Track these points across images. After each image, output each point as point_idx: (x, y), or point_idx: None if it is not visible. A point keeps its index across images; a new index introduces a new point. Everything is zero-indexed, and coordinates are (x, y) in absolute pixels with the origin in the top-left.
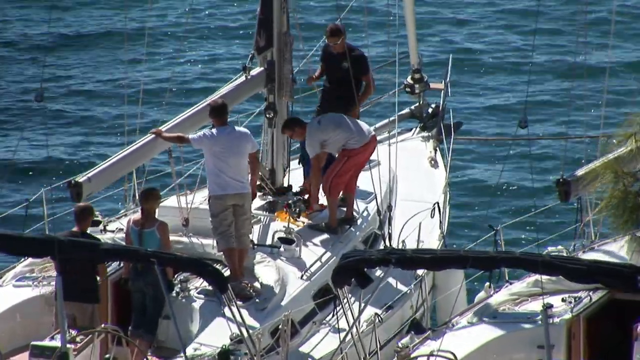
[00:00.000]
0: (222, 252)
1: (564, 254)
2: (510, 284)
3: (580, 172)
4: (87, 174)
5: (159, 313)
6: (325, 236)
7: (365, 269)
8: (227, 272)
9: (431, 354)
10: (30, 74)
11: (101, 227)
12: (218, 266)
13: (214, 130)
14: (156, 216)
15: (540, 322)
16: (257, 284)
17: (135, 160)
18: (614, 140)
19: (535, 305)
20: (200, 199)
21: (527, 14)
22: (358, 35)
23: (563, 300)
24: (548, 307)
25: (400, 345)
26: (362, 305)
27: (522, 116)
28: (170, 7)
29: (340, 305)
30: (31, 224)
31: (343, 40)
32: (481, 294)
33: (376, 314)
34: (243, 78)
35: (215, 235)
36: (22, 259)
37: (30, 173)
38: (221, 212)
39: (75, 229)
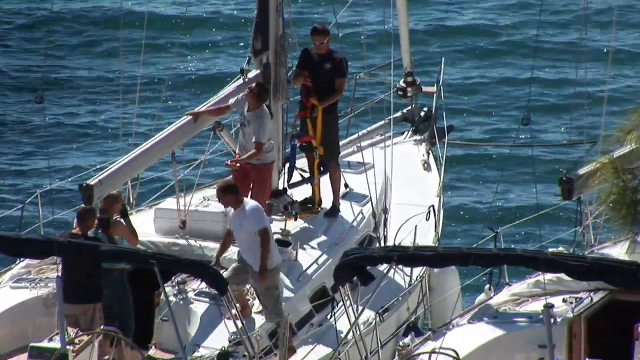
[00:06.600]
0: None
1: None
2: (510, 285)
3: (582, 170)
4: (98, 176)
5: (128, 313)
6: (321, 238)
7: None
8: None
9: (433, 352)
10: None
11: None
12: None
13: None
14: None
15: (541, 321)
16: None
17: (144, 162)
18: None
19: (536, 306)
20: (196, 201)
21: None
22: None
23: (564, 300)
24: (550, 306)
25: (401, 344)
26: (361, 306)
27: (525, 114)
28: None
29: (340, 305)
30: (26, 227)
31: (328, 41)
32: (481, 296)
33: (377, 313)
34: (240, 81)
35: None
36: (18, 261)
37: (26, 175)
38: None
39: (75, 230)
